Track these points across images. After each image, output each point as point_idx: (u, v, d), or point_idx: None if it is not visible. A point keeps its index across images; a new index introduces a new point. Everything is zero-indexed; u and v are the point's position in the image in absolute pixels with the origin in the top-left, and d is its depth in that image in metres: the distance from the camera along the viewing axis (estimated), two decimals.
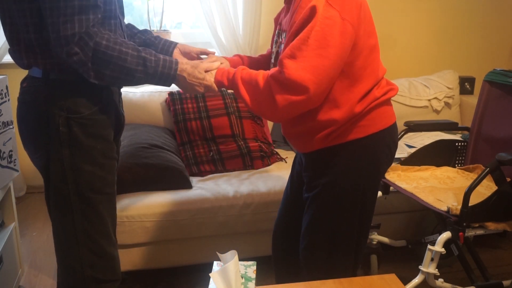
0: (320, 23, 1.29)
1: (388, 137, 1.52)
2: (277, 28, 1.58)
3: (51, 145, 1.37)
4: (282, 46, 1.49)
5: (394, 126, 1.54)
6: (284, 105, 1.33)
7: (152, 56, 1.35)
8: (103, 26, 1.34)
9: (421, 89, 3.14)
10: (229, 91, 2.68)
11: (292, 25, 1.37)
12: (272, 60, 1.60)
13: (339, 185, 1.50)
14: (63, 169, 1.38)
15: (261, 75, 1.40)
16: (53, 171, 1.40)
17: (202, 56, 1.70)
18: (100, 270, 1.48)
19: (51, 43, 1.27)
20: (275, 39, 1.60)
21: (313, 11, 1.30)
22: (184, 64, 1.42)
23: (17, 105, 1.44)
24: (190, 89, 1.45)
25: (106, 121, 1.44)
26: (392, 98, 1.55)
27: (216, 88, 1.47)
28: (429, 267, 1.79)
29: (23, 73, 1.41)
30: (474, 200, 1.78)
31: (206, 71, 1.46)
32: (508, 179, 1.81)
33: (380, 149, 1.51)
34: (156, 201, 2.16)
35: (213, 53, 1.67)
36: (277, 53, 1.56)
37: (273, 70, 1.37)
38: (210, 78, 1.46)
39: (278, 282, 1.82)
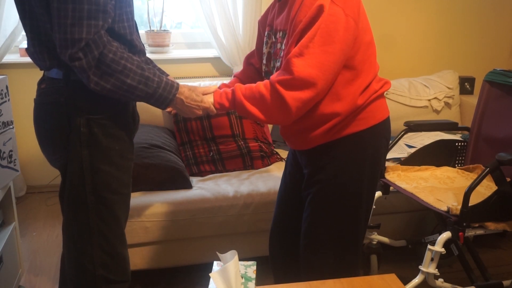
0: (325, 20, 1.32)
1: (385, 129, 1.56)
2: (267, 30, 1.59)
3: (70, 145, 1.38)
4: (279, 45, 1.50)
5: (389, 118, 1.58)
6: (297, 106, 1.35)
7: (155, 77, 1.35)
8: (118, 30, 1.34)
9: (421, 89, 3.14)
10: None
11: (296, 23, 1.38)
12: (264, 61, 1.61)
13: (341, 179, 1.51)
14: (81, 169, 1.38)
15: (261, 86, 1.40)
16: (71, 171, 1.40)
17: None
18: (112, 270, 1.48)
19: (56, 44, 1.26)
20: (265, 40, 1.61)
21: (320, 9, 1.32)
22: (182, 87, 1.42)
23: (34, 106, 1.44)
24: (187, 112, 1.46)
25: (125, 122, 1.46)
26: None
27: (215, 111, 1.48)
28: (429, 267, 1.79)
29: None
30: (474, 200, 1.78)
31: (203, 94, 1.47)
32: (508, 179, 1.81)
33: (379, 140, 1.55)
34: (156, 201, 2.16)
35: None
36: (269, 54, 1.57)
37: (274, 76, 1.39)
38: (208, 100, 1.46)
39: (277, 283, 1.82)
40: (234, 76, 1.79)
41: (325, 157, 1.52)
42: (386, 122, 1.56)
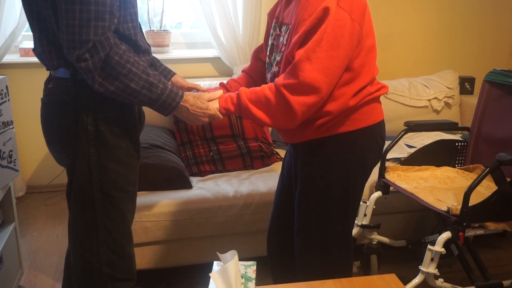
0: (331, 24, 1.32)
1: (377, 133, 1.56)
2: (274, 21, 1.59)
3: (78, 144, 1.39)
4: (281, 39, 1.50)
5: (383, 122, 1.58)
6: (302, 110, 1.36)
7: (160, 83, 1.36)
8: (123, 31, 1.35)
9: (421, 89, 3.14)
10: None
11: (300, 21, 1.38)
12: (267, 53, 1.61)
13: (327, 177, 1.52)
14: (89, 168, 1.40)
15: (267, 90, 1.41)
16: (78, 169, 1.41)
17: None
18: (118, 269, 1.49)
19: (63, 45, 1.27)
20: (271, 31, 1.61)
21: (326, 12, 1.32)
22: (187, 95, 1.42)
23: (42, 106, 1.45)
24: (193, 120, 1.46)
25: (131, 120, 1.47)
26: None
27: (221, 116, 1.48)
28: (429, 267, 1.79)
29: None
30: (474, 200, 1.78)
31: (208, 101, 1.47)
32: (508, 179, 1.81)
33: (369, 143, 1.54)
34: (156, 201, 2.16)
35: (205, 90, 1.64)
36: (272, 46, 1.57)
37: (279, 80, 1.39)
38: (213, 107, 1.46)
39: (276, 283, 1.82)
40: (242, 71, 1.78)
41: (314, 153, 1.53)
42: (378, 126, 1.55)
